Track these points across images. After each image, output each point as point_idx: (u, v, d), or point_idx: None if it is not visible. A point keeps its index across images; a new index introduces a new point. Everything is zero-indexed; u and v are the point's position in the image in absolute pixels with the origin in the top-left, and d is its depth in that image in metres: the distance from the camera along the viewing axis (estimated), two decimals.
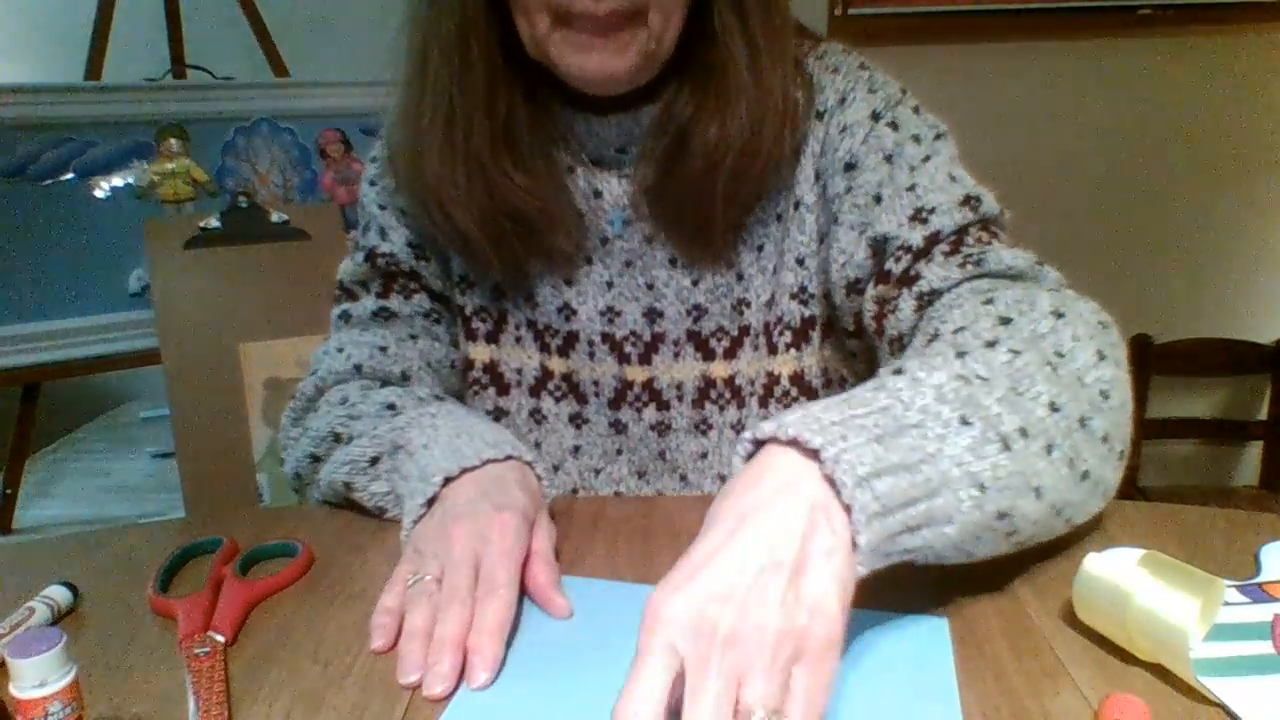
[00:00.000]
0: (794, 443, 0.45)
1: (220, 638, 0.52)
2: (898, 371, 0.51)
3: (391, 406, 0.71)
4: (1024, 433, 0.49)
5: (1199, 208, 2.13)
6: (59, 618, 0.55)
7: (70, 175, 1.67)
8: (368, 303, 0.79)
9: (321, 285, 0.92)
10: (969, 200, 0.66)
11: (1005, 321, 0.56)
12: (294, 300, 1.64)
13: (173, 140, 1.75)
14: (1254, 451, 2.20)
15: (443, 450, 0.62)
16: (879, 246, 0.68)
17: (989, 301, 0.59)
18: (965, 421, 0.47)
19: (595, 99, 0.70)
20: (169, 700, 0.48)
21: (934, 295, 0.64)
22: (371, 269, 0.79)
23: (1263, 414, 2.15)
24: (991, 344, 0.53)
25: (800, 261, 0.74)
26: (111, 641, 0.53)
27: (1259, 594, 0.53)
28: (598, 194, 0.75)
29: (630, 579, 0.58)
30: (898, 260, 0.66)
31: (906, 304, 0.65)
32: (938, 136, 0.71)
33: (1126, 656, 0.48)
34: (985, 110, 2.06)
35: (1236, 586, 0.54)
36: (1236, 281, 2.17)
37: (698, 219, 0.71)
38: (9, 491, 1.71)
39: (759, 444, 0.47)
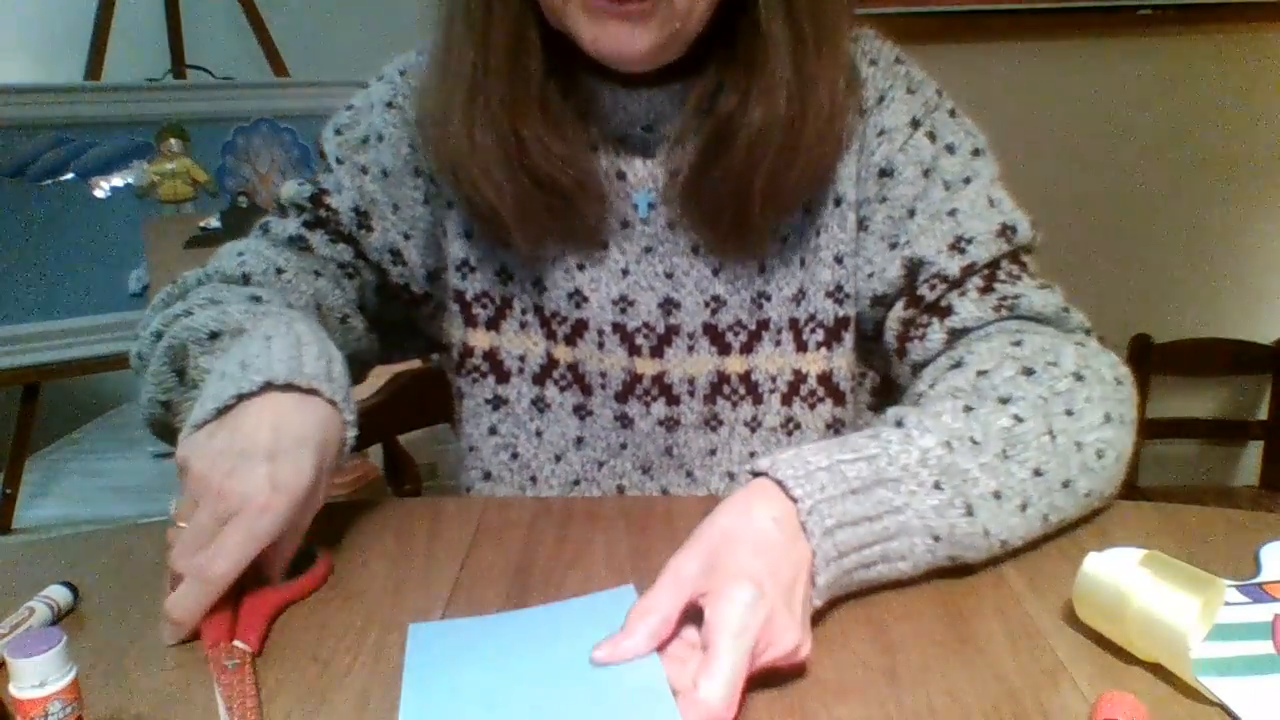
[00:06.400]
0: (781, 484, 0.51)
1: (246, 647, 0.51)
2: (899, 423, 0.56)
3: (256, 299, 0.68)
4: (997, 495, 0.55)
5: (1199, 207, 2.13)
6: (59, 618, 0.55)
7: (70, 175, 1.67)
8: (290, 225, 0.76)
9: None
10: (1005, 230, 0.68)
11: (1029, 373, 0.60)
12: None
13: (173, 140, 1.75)
14: (1254, 451, 2.20)
15: (281, 350, 0.57)
16: (913, 268, 0.69)
17: (1017, 344, 0.63)
18: (938, 486, 0.53)
19: (622, 72, 0.67)
20: (169, 700, 0.48)
21: (965, 332, 0.67)
22: (312, 205, 0.76)
23: (1263, 414, 2.15)
24: (1004, 400, 0.58)
25: (839, 260, 0.72)
26: (111, 641, 0.53)
27: (1259, 594, 0.53)
28: (621, 175, 0.72)
29: (631, 576, 0.58)
30: (932, 288, 0.68)
31: (936, 335, 0.68)
32: (976, 152, 0.71)
33: (1126, 656, 0.48)
34: (985, 110, 2.04)
35: (1236, 586, 0.54)
36: (1236, 281, 2.17)
37: (733, 213, 0.69)
38: (9, 491, 1.70)
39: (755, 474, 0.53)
